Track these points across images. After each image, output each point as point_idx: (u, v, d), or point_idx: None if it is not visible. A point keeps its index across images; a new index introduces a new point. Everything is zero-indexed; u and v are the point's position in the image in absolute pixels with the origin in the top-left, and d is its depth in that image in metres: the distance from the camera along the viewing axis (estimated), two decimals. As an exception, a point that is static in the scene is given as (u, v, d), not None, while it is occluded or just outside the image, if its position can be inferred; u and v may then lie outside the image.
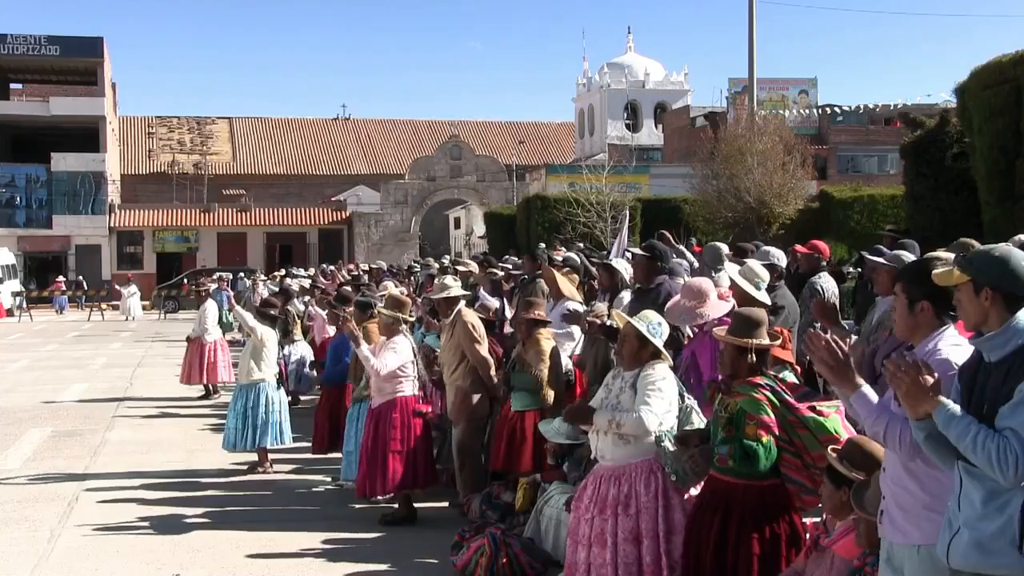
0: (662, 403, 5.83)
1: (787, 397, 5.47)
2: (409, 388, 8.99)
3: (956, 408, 3.53)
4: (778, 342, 5.90)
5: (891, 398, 3.97)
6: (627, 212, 17.85)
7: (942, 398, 3.55)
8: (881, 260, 7.50)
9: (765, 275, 7.58)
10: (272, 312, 12.09)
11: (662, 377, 5.93)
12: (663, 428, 5.85)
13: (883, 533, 4.11)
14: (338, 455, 10.62)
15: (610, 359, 8.14)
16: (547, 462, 8.08)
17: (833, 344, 3.97)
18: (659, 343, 6.01)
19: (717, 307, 7.17)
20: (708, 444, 5.64)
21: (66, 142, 55.81)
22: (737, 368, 5.59)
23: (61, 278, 49.40)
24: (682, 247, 13.32)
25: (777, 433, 5.39)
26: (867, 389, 3.92)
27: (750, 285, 7.32)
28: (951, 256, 6.14)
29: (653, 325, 6.04)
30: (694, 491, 5.95)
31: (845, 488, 4.88)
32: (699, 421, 6.12)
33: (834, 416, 5.35)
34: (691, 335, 7.51)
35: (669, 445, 5.81)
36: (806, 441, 5.41)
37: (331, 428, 11.11)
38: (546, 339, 8.58)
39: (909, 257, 7.15)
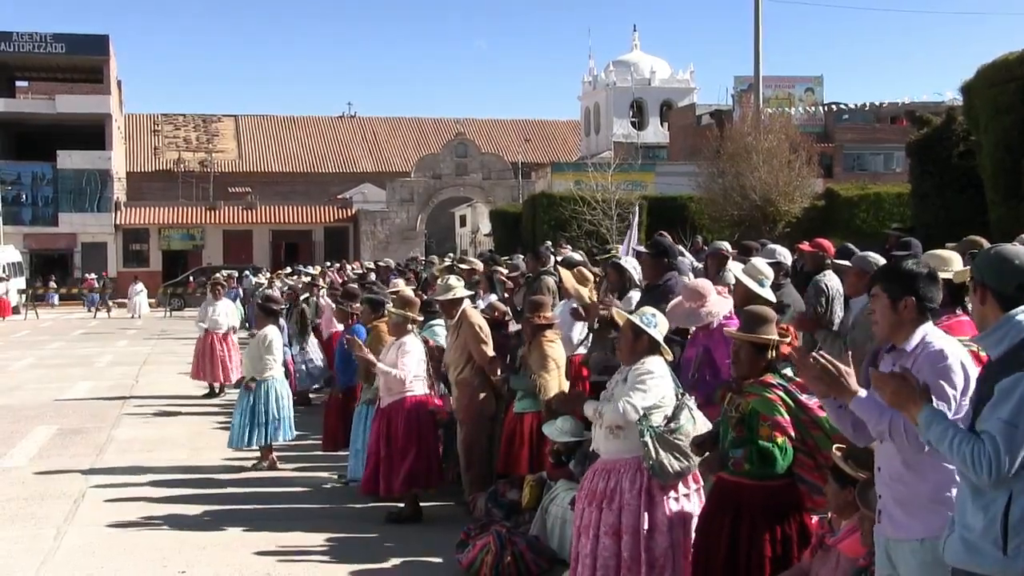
0: (645, 396, 5.86)
1: (800, 397, 5.45)
2: (419, 387, 8.99)
3: (937, 411, 3.56)
4: (788, 339, 5.90)
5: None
6: (636, 209, 17.80)
7: (936, 391, 3.59)
8: (847, 263, 7.64)
9: (769, 272, 7.59)
10: (275, 307, 12.11)
11: (649, 372, 5.95)
12: (649, 423, 5.85)
13: (882, 532, 4.10)
14: (345, 452, 10.64)
15: (595, 356, 8.21)
16: (548, 461, 8.07)
17: (825, 361, 4.00)
18: (655, 334, 6.03)
19: (720, 304, 7.18)
20: (719, 447, 5.62)
21: (72, 140, 55.93)
22: (754, 367, 5.55)
23: (92, 275, 49.39)
24: (681, 248, 13.32)
25: (792, 434, 5.35)
26: (864, 392, 3.94)
27: (753, 282, 7.33)
28: (954, 255, 6.21)
29: (647, 316, 6.09)
30: (683, 488, 5.97)
31: (850, 488, 4.88)
32: (686, 418, 6.03)
33: None
34: (691, 331, 7.53)
35: (648, 440, 5.82)
36: (819, 441, 5.38)
37: (341, 427, 11.13)
38: (549, 343, 8.53)
39: (877, 259, 7.24)
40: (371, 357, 9.02)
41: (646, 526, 5.80)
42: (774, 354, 5.58)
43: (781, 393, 5.41)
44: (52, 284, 50.08)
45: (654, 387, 5.93)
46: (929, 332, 4.01)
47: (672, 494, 5.93)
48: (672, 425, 5.94)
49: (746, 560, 5.35)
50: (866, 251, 7.93)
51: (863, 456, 4.83)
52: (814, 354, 4.06)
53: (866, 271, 7.08)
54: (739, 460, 5.36)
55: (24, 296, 44.26)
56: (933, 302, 4.04)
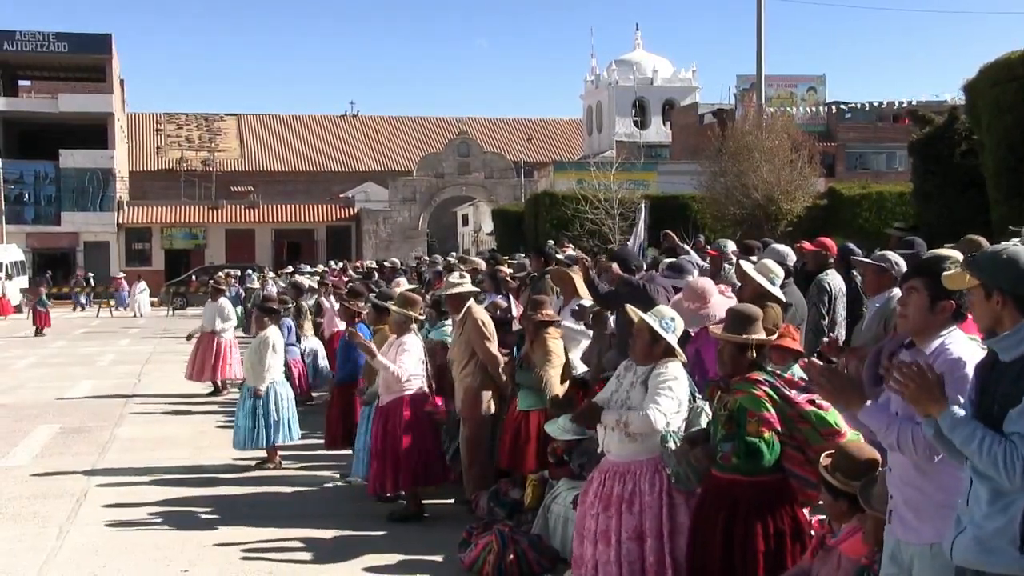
0: (671, 403, 5.82)
1: (786, 392, 5.49)
2: (417, 386, 8.99)
3: (961, 412, 3.52)
4: (774, 337, 5.91)
5: (889, 398, 3.99)
6: (643, 207, 17.63)
7: (952, 402, 3.54)
8: (867, 260, 7.50)
9: (780, 272, 7.59)
10: (274, 306, 12.10)
11: (674, 377, 5.91)
12: (669, 428, 5.84)
13: (891, 532, 4.09)
14: (348, 452, 10.64)
15: (611, 355, 8.18)
16: (549, 460, 8.06)
17: (830, 371, 3.97)
18: (672, 339, 6.00)
19: (722, 305, 7.16)
20: (710, 443, 5.65)
21: (74, 139, 55.92)
22: (737, 366, 5.59)
23: (122, 273, 49.33)
24: (687, 246, 13.31)
25: (779, 429, 5.41)
26: (871, 403, 3.91)
27: (766, 280, 7.32)
28: (958, 254, 6.18)
29: (666, 321, 6.03)
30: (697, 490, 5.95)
31: (842, 500, 4.90)
32: (706, 423, 6.11)
33: (834, 409, 5.35)
34: (691, 332, 7.52)
35: (672, 445, 5.81)
36: (808, 435, 5.42)
37: (343, 425, 11.15)
38: (553, 339, 8.55)
39: (897, 257, 7.18)
40: (372, 346, 9.00)
41: (668, 528, 5.78)
42: (754, 353, 5.60)
43: (767, 389, 5.47)
44: (80, 284, 49.94)
45: (679, 394, 5.91)
46: (953, 337, 4.00)
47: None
48: (695, 431, 5.96)
49: (741, 556, 5.38)
50: (869, 251, 7.88)
51: (851, 466, 4.85)
52: (825, 365, 4.03)
53: (886, 269, 7.06)
54: (727, 453, 5.44)
55: (27, 295, 44.25)
56: (965, 310, 4.02)
